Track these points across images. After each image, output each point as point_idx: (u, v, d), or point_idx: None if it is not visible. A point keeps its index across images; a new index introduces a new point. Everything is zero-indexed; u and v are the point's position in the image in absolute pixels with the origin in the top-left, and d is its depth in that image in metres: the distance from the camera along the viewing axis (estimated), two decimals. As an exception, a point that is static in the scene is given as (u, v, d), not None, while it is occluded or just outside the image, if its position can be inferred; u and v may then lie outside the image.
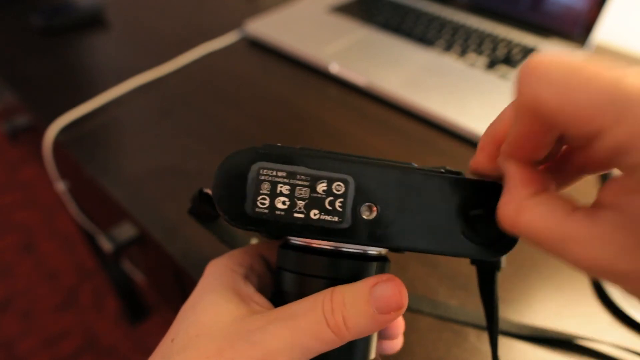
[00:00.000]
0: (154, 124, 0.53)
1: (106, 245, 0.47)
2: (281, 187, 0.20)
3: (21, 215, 1.48)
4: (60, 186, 0.60)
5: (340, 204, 0.20)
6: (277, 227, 0.20)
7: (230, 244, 0.32)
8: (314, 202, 0.20)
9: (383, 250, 0.24)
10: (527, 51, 0.62)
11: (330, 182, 0.20)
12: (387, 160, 0.21)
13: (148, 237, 0.43)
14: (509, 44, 0.63)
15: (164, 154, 0.49)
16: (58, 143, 0.51)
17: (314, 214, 0.20)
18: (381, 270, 0.23)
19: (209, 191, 0.24)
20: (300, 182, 0.20)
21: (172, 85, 0.59)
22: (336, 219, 0.20)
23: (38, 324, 1.21)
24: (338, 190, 0.20)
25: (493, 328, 0.26)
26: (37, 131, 0.58)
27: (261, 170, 0.20)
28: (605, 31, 0.68)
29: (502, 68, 0.59)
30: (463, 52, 0.62)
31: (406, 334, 0.34)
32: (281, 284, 0.23)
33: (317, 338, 0.19)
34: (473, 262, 0.26)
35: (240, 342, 0.19)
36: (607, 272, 0.15)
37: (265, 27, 0.67)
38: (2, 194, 1.55)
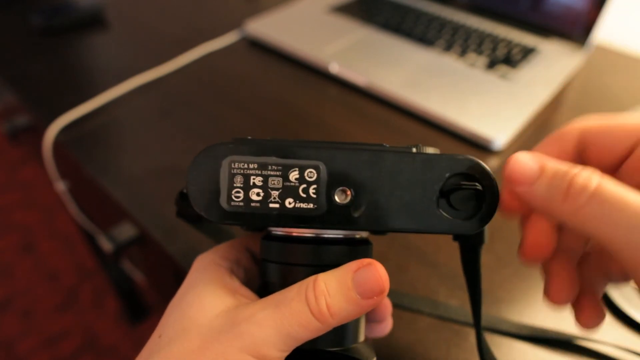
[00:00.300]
0: (154, 124, 0.53)
1: (106, 245, 0.47)
2: (254, 178, 0.20)
3: (21, 215, 1.48)
4: (60, 186, 0.60)
5: (314, 191, 0.20)
6: (254, 218, 0.20)
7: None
8: (288, 190, 0.20)
9: (364, 234, 0.24)
10: (527, 51, 0.62)
11: (302, 169, 0.20)
12: (358, 143, 0.21)
13: (148, 237, 0.43)
14: (509, 44, 0.63)
15: (164, 154, 0.49)
16: (58, 143, 0.51)
17: (289, 202, 0.20)
18: (364, 254, 0.23)
19: None
20: (272, 173, 0.20)
21: (172, 85, 0.59)
22: (311, 205, 0.20)
23: (38, 324, 1.21)
24: (310, 177, 0.20)
25: (477, 305, 0.26)
26: (37, 131, 0.58)
27: (232, 164, 0.20)
28: (605, 31, 0.68)
29: (502, 68, 0.59)
30: (463, 52, 0.62)
31: (406, 334, 0.34)
32: (266, 275, 0.24)
33: (301, 326, 0.19)
34: (455, 238, 0.26)
35: (226, 334, 0.19)
36: None
37: (265, 27, 0.67)
38: (2, 194, 1.55)
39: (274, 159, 0.20)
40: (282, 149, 0.20)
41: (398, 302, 0.35)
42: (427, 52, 0.62)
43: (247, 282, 0.24)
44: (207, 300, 0.21)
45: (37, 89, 0.59)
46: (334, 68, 0.60)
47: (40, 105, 0.56)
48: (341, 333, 0.22)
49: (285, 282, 0.22)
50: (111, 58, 0.65)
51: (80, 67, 0.63)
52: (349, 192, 0.20)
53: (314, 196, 0.20)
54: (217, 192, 0.20)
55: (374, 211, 0.21)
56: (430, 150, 0.22)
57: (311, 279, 0.20)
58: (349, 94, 0.58)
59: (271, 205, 0.20)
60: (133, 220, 0.44)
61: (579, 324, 0.22)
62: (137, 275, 1.08)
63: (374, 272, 0.20)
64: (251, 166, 0.20)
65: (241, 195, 0.20)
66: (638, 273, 0.16)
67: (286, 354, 0.20)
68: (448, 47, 0.63)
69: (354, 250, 0.23)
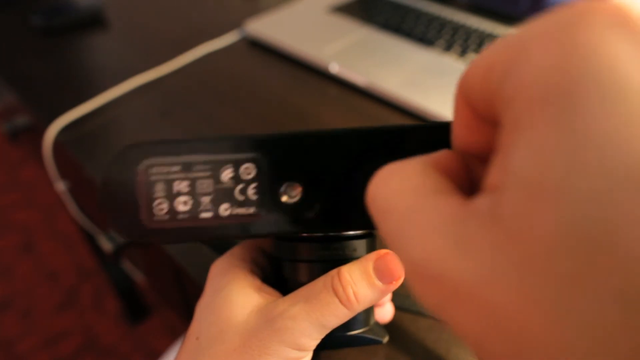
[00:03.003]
0: (154, 124, 0.53)
1: (106, 245, 0.47)
2: (178, 184, 0.16)
3: (21, 215, 1.48)
4: (60, 186, 0.60)
5: (254, 191, 0.16)
6: (184, 234, 0.17)
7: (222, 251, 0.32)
8: (222, 194, 0.16)
9: None
10: (527, 51, 0.62)
11: (236, 165, 0.16)
12: (305, 130, 0.17)
13: (148, 237, 0.43)
14: (509, 44, 0.63)
15: (164, 154, 0.49)
16: (58, 143, 0.51)
17: (224, 209, 0.17)
18: (371, 244, 0.24)
19: None
20: (200, 174, 0.16)
21: (172, 85, 0.59)
22: (252, 210, 0.17)
23: (38, 324, 1.21)
24: (248, 174, 0.16)
25: None
26: (37, 131, 0.58)
27: (150, 169, 0.16)
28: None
29: (502, 68, 0.59)
30: (463, 52, 0.62)
31: (406, 334, 0.34)
32: (282, 271, 0.24)
33: (332, 315, 0.21)
34: None
35: (263, 331, 0.21)
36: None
37: (265, 27, 0.67)
38: (2, 194, 1.55)
39: (200, 156, 0.16)
40: (210, 143, 0.16)
41: (400, 304, 0.35)
42: (427, 52, 0.62)
43: (265, 279, 0.26)
44: (237, 301, 0.23)
45: (37, 89, 0.59)
46: (334, 68, 0.60)
47: (40, 105, 0.56)
48: (359, 318, 0.24)
49: (304, 277, 0.22)
50: (111, 58, 0.65)
51: (80, 67, 0.63)
52: (299, 188, 0.17)
53: (254, 197, 0.16)
54: (136, 206, 0.16)
55: (332, 207, 0.17)
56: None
57: (334, 273, 0.22)
58: (349, 94, 0.58)
59: (203, 215, 0.16)
60: (133, 220, 0.44)
61: None
62: (137, 275, 1.08)
63: (391, 260, 0.22)
64: (173, 169, 0.16)
65: (165, 206, 0.16)
66: None
67: (319, 340, 0.22)
68: (448, 47, 0.63)
69: (363, 242, 0.23)
